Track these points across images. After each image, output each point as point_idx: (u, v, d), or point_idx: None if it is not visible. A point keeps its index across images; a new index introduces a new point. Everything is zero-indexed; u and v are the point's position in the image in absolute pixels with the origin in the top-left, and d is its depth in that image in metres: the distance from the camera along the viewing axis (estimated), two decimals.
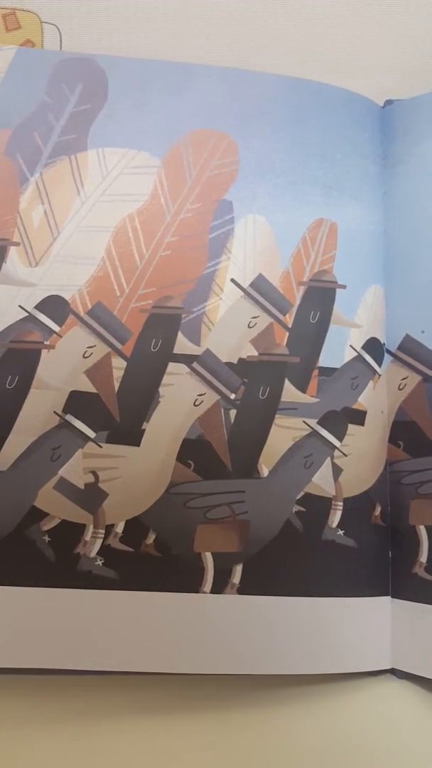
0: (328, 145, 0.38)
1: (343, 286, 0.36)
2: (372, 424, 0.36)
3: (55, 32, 0.42)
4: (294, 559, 0.34)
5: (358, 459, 0.35)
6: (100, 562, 0.33)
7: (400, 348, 0.36)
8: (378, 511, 0.35)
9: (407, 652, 0.33)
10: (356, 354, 0.36)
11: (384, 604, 0.34)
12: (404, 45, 0.42)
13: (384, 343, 0.37)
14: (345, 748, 0.32)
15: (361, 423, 0.36)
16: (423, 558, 0.34)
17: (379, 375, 0.36)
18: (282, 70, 0.39)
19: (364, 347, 0.36)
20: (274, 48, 0.42)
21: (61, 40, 0.41)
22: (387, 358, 0.37)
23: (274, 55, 0.42)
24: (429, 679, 0.33)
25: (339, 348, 0.36)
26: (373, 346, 0.36)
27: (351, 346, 0.36)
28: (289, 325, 0.36)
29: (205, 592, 0.33)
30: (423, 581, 0.34)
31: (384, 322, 0.37)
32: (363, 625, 0.34)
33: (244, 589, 0.33)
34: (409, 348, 0.36)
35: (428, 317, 0.36)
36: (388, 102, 0.40)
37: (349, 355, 0.36)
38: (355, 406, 0.36)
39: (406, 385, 0.36)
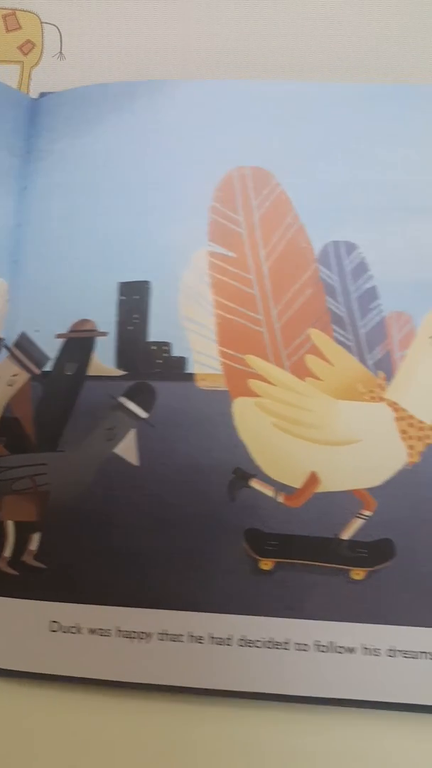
0: None
1: None
2: None
3: (55, 32, 0.41)
4: None
5: None
6: None
7: (15, 344, 0.36)
8: None
9: None
10: None
11: None
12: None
13: (2, 338, 0.36)
14: None
15: None
16: (8, 552, 0.34)
17: None
18: None
19: None
20: None
21: (61, 41, 0.41)
22: (4, 353, 0.36)
23: None
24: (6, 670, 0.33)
25: None
26: None
27: None
28: None
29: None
30: (5, 575, 0.34)
31: (6, 317, 0.37)
32: None
33: None
34: (23, 345, 0.36)
35: (45, 316, 0.36)
36: (42, 95, 0.40)
37: None
38: None
39: (15, 381, 0.36)
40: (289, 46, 0.40)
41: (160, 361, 0.35)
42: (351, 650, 0.31)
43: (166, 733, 0.32)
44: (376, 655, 0.31)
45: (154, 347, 0.35)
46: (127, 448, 0.34)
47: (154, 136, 0.38)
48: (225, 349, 0.35)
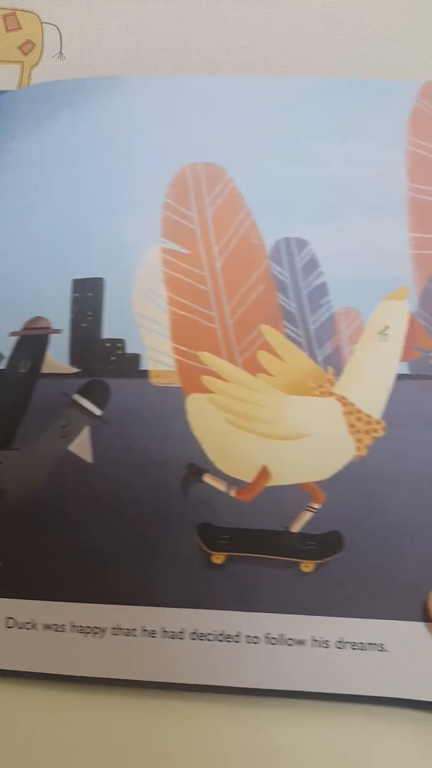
0: None
1: None
2: None
3: (55, 32, 0.41)
4: None
5: None
6: None
7: None
8: None
9: None
10: None
11: None
12: None
13: None
14: None
15: None
16: None
17: None
18: None
19: None
20: None
21: (61, 41, 0.41)
22: None
23: None
24: None
25: None
26: None
27: None
28: None
29: None
30: None
31: None
32: None
33: None
34: None
35: None
36: (1, 93, 0.40)
37: None
38: None
39: None
40: (289, 46, 0.40)
41: (114, 358, 0.35)
42: (301, 642, 0.32)
43: (119, 726, 0.32)
44: (326, 647, 0.32)
45: (108, 344, 0.35)
46: (81, 446, 0.34)
47: (108, 133, 0.37)
48: (178, 346, 0.35)
